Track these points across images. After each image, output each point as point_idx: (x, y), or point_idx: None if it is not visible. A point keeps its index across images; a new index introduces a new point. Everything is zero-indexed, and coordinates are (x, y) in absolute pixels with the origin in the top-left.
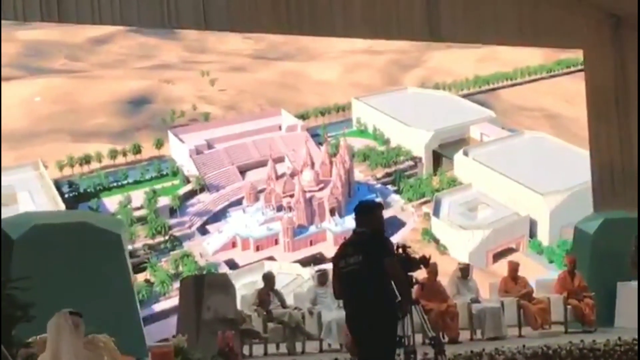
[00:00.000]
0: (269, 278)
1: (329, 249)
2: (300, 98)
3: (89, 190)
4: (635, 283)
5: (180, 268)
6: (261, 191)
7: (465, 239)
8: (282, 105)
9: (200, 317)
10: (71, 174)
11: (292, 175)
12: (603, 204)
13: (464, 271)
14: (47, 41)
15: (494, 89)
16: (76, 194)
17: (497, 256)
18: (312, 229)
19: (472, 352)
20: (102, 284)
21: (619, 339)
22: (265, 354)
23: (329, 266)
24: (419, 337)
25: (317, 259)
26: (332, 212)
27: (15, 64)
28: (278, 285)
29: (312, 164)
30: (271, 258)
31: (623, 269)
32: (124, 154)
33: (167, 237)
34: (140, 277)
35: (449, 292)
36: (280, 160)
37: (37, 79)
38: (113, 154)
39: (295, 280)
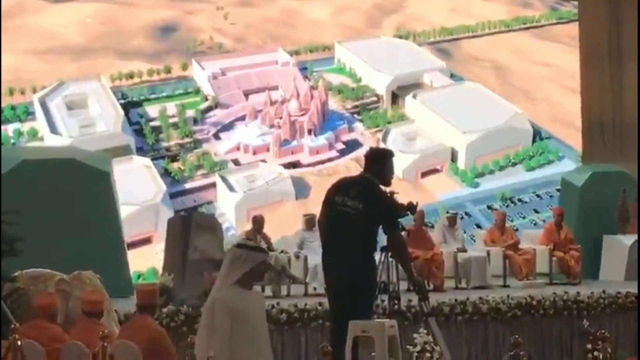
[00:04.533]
0: (258, 221)
1: (305, 158)
2: (295, 35)
3: (135, 99)
4: (621, 237)
5: (202, 162)
6: (259, 111)
7: (401, 160)
8: (280, 40)
9: (187, 257)
10: (119, 85)
11: (282, 102)
12: (592, 157)
13: (451, 220)
14: None
15: (456, 39)
16: (126, 102)
17: (425, 174)
18: (294, 143)
19: (456, 300)
20: (89, 221)
21: (603, 291)
22: None
23: (303, 171)
24: (403, 284)
25: (295, 165)
26: (309, 132)
27: None
28: (266, 179)
29: (298, 95)
30: (264, 161)
31: (610, 222)
32: (158, 73)
33: (191, 139)
34: (175, 165)
35: (435, 240)
36: (274, 89)
37: (87, 2)
38: (150, 72)
39: (278, 177)
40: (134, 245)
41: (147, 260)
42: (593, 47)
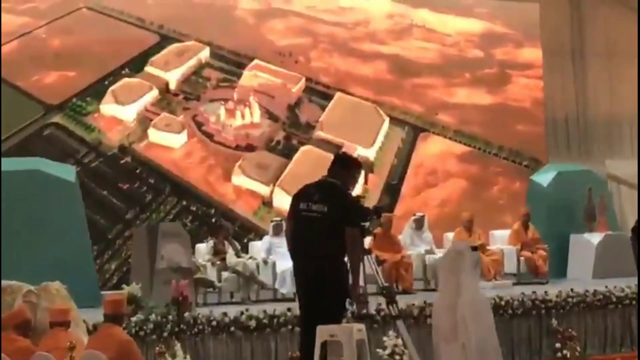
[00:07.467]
0: (225, 228)
1: None
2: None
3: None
4: (588, 235)
5: None
6: None
7: None
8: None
9: (154, 265)
10: None
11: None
12: (557, 156)
13: (419, 222)
14: None
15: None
16: None
17: None
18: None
19: (425, 302)
20: (55, 232)
21: (571, 290)
22: (219, 302)
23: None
24: (372, 288)
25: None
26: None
27: None
28: None
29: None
30: None
31: (576, 221)
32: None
33: None
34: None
35: (403, 243)
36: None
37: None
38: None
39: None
40: None
41: None
42: (555, 46)
